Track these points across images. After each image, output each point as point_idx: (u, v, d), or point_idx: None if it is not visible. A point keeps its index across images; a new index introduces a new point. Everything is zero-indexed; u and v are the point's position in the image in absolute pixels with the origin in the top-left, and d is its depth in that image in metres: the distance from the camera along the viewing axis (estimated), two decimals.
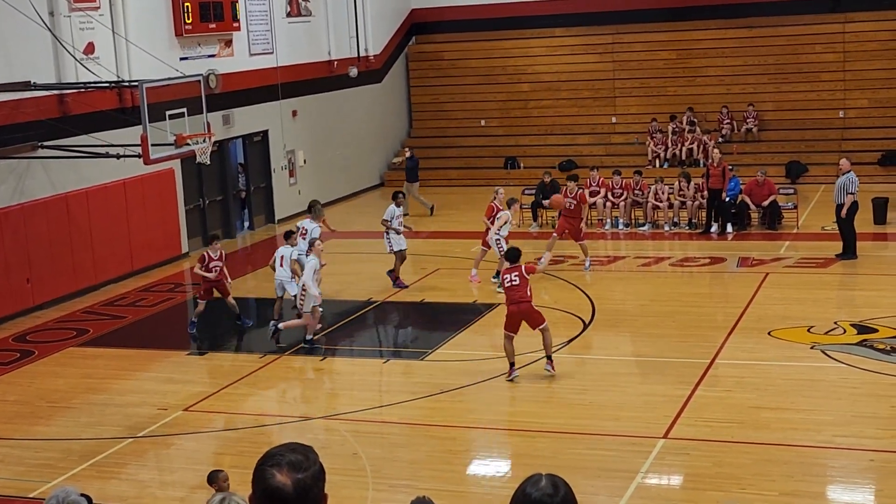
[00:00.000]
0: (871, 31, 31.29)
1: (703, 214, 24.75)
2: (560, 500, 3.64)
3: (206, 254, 18.72)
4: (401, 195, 21.63)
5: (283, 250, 18.74)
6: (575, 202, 21.83)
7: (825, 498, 11.59)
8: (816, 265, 21.18)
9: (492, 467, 13.03)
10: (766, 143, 31.40)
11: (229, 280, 18.95)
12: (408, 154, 29.63)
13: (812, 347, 16.02)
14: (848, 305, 19.03)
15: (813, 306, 18.33)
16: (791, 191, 26.06)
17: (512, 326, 15.16)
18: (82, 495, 6.49)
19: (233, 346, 18.41)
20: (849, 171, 21.50)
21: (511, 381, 15.13)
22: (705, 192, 24.64)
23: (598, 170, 26.67)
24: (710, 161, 25.49)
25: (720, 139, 31.04)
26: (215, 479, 10.01)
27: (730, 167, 24.95)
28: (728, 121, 31.63)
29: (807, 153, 30.48)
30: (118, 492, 12.37)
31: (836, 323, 17.12)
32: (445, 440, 13.57)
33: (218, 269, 18.56)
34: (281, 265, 18.62)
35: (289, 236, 19.01)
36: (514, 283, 15.09)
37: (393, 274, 20.63)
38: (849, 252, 21.30)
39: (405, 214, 22.27)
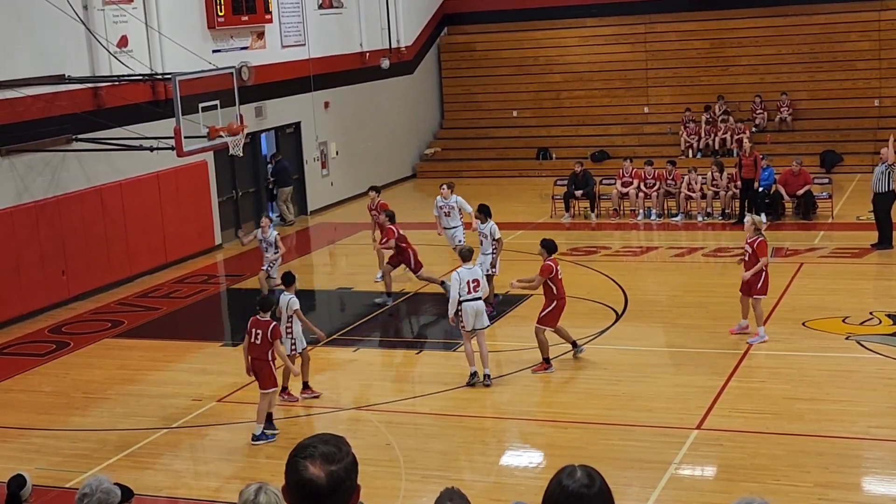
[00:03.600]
0: None
1: (737, 204, 24.61)
2: (597, 492, 3.64)
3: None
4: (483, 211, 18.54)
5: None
6: None
7: (860, 490, 11.51)
8: (851, 255, 21.02)
9: (524, 458, 13.02)
10: (800, 132, 31.16)
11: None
12: (278, 157, 27.52)
13: (847, 338, 15.90)
14: (884, 296, 18.87)
15: (848, 296, 18.19)
16: (826, 180, 25.86)
17: (558, 319, 15.28)
18: (120, 485, 6.55)
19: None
20: (889, 161, 21.29)
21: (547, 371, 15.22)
22: (738, 182, 24.51)
23: (631, 160, 26.60)
24: (741, 151, 25.33)
25: (754, 129, 30.85)
26: None
27: (762, 156, 24.79)
28: (761, 110, 31.41)
29: (842, 142, 30.23)
30: (153, 482, 12.45)
31: (871, 313, 16.99)
32: (478, 431, 13.58)
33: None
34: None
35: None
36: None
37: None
38: (885, 242, 21.12)
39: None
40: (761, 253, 16.03)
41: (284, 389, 14.64)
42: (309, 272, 23.68)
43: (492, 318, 17.62)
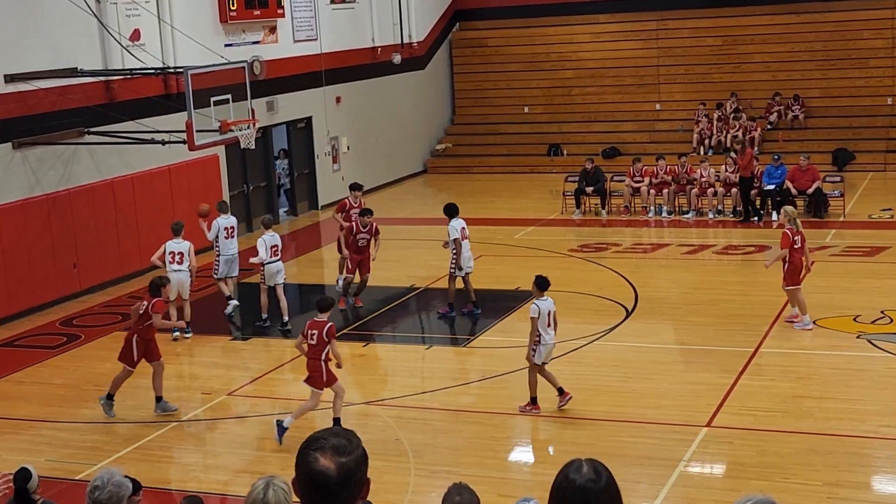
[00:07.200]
0: None
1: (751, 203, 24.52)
2: (603, 486, 3.63)
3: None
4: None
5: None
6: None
7: (869, 488, 11.50)
8: (863, 254, 20.96)
9: (533, 454, 13.02)
10: (812, 130, 31.08)
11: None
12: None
13: (858, 337, 15.87)
14: (895, 294, 18.82)
15: (859, 295, 18.14)
16: (838, 178, 25.77)
17: None
18: (129, 478, 6.57)
19: (276, 331, 18.48)
20: None
21: None
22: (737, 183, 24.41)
23: (641, 160, 26.51)
24: (736, 155, 25.02)
25: (768, 126, 30.81)
26: None
27: (756, 151, 24.57)
28: (778, 106, 31.32)
29: (854, 140, 30.15)
30: (162, 475, 12.49)
31: (882, 312, 16.95)
32: (487, 426, 13.57)
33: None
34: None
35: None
36: None
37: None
38: None
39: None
40: (780, 244, 16.69)
41: (534, 400, 13.76)
42: (319, 267, 23.71)
43: (477, 317, 18.03)
